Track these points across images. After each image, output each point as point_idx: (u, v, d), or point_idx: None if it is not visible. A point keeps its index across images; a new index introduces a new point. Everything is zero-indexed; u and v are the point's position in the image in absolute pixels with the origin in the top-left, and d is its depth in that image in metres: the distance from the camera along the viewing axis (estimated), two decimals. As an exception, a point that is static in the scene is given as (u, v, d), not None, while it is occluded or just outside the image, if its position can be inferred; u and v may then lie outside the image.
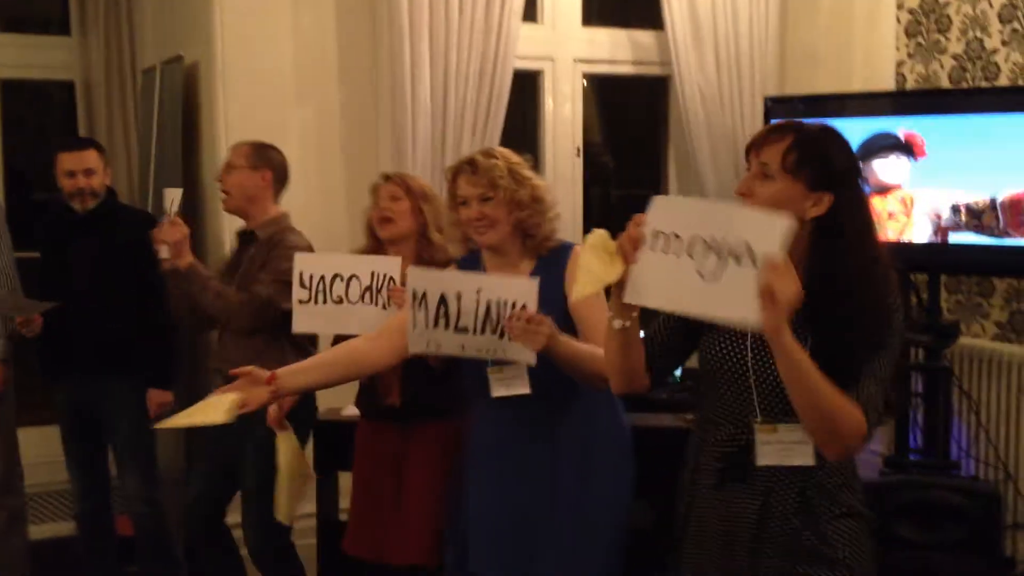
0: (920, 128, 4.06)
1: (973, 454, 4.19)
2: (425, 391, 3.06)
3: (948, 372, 4.07)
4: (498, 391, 2.55)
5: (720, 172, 4.69)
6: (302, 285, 2.94)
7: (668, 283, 1.84)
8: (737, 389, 2.01)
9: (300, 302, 2.95)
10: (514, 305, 2.42)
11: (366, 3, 4.26)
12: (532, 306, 2.40)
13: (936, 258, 4.04)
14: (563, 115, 4.78)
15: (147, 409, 3.73)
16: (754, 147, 1.99)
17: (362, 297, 2.93)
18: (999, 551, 3.57)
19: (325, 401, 3.52)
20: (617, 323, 1.98)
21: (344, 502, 3.51)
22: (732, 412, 2.04)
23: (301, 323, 2.98)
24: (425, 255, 3.11)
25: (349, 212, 4.07)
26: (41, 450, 4.35)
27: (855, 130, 4.00)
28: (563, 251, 2.68)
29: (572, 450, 2.67)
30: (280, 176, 3.46)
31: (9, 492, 3.87)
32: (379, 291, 2.93)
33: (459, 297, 2.47)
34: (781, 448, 1.98)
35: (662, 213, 1.86)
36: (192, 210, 4.30)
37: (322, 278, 2.93)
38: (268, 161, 3.42)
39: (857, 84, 4.78)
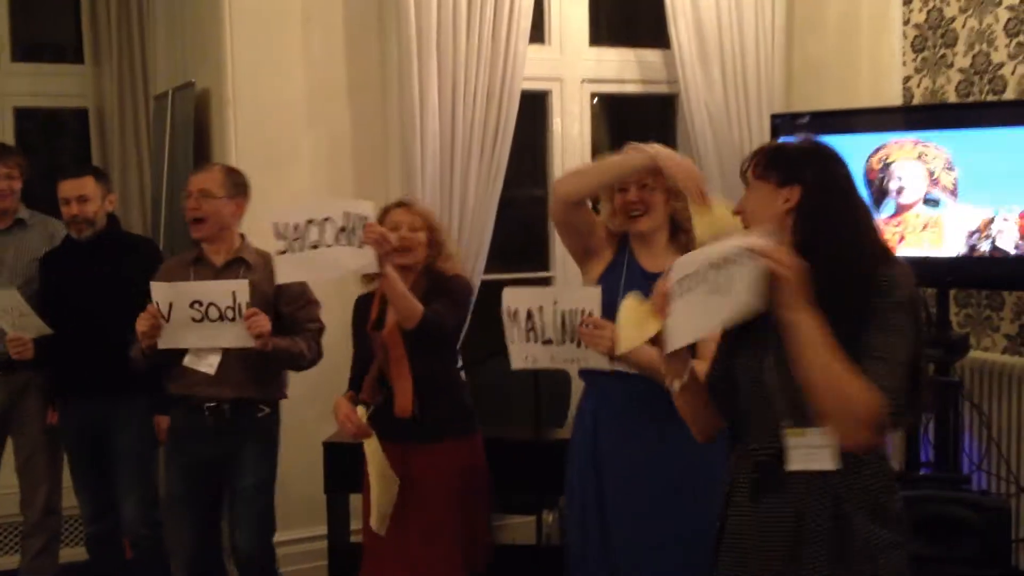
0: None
1: (984, 468, 4.18)
2: (441, 405, 3.11)
3: (958, 386, 4.06)
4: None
5: (729, 189, 4.69)
6: (279, 236, 2.92)
7: (694, 315, 2.03)
8: (765, 400, 2.06)
9: (279, 253, 2.94)
10: (583, 312, 2.57)
11: (375, 27, 4.29)
12: (597, 312, 2.54)
13: (945, 272, 4.05)
14: (571, 134, 4.81)
15: (150, 432, 3.74)
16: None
17: (336, 239, 2.89)
18: (1011, 565, 3.57)
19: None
20: (676, 384, 2.17)
21: (355, 524, 3.53)
22: (761, 424, 2.08)
23: (283, 273, 2.97)
24: (428, 279, 3.17)
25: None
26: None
27: (864, 145, 4.04)
28: None
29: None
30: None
31: (51, 513, 3.92)
32: (353, 231, 2.88)
33: (541, 310, 2.63)
34: (808, 452, 2.04)
35: (681, 266, 2.06)
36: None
37: (296, 226, 2.90)
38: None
39: (864, 99, 4.78)
